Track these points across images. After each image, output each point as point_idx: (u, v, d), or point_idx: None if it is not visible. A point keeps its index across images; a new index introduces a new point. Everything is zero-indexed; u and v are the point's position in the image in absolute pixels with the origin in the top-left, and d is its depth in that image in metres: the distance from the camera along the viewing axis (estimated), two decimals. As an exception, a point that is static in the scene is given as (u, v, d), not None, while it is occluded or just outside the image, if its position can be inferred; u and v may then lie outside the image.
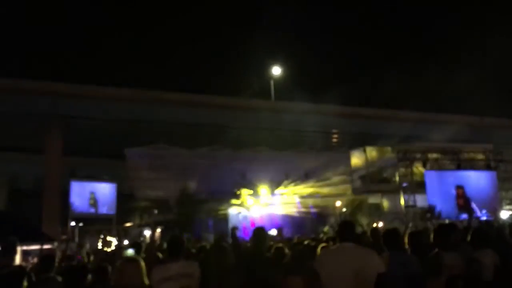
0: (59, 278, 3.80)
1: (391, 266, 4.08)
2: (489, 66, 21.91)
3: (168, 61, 21.11)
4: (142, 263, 4.20)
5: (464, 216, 17.28)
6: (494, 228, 7.75)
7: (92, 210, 19.42)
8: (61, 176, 18.94)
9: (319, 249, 4.50)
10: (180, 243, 4.52)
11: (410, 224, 16.44)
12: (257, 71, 23.66)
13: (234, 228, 8.75)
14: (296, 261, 4.53)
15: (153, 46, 21.20)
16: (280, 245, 5.61)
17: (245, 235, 18.17)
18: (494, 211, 17.90)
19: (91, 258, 9.03)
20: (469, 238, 4.54)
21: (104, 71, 19.74)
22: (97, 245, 8.34)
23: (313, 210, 22.43)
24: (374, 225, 16.16)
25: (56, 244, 14.04)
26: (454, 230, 4.75)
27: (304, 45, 21.57)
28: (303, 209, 22.30)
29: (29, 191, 19.08)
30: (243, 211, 21.51)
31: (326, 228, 17.17)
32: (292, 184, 22.30)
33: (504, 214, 18.35)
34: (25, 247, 11.45)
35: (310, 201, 22.49)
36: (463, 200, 17.89)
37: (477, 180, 18.93)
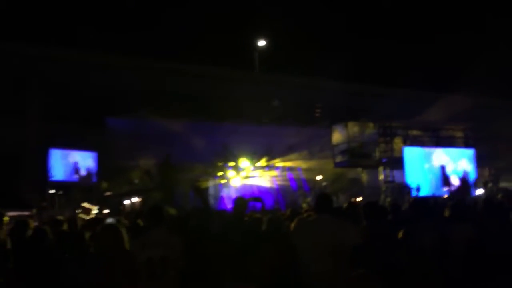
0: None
1: (370, 236, 4.15)
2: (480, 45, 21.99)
3: (152, 28, 20.62)
4: (122, 229, 4.18)
5: (444, 192, 17.71)
6: (470, 203, 7.94)
7: (72, 178, 19.29)
8: (40, 142, 18.66)
9: (294, 221, 4.54)
10: (161, 211, 4.52)
11: (388, 199, 16.76)
12: (242, 42, 23.36)
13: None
14: (271, 231, 4.58)
15: (137, 12, 20.64)
16: (258, 215, 5.67)
17: (225, 206, 18.32)
18: (470, 188, 18.35)
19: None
20: (446, 213, 4.63)
21: (88, 36, 19.17)
22: (76, 213, 8.31)
23: (294, 183, 22.66)
24: (353, 199, 16.40)
25: (34, 211, 13.96)
26: (427, 204, 4.85)
27: (290, 18, 21.26)
28: (284, 182, 22.50)
29: (6, 157, 18.75)
30: (224, 183, 21.60)
31: (308, 199, 17.38)
32: (275, 157, 22.41)
33: (479, 191, 18.80)
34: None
35: (292, 174, 22.70)
36: (441, 177, 18.28)
37: (455, 157, 19.33)
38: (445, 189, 17.88)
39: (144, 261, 3.93)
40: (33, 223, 5.63)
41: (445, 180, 18.10)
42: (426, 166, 18.69)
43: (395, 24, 22.93)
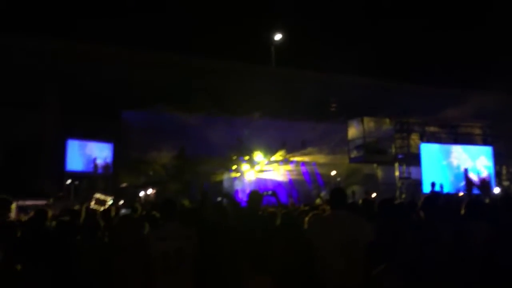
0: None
1: (382, 234, 4.11)
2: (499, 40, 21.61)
3: (168, 22, 20.68)
4: (140, 220, 4.22)
5: (461, 190, 17.47)
6: (488, 201, 7.81)
7: (89, 168, 19.53)
8: (58, 133, 18.92)
9: (308, 216, 4.51)
10: (174, 205, 4.52)
11: (403, 196, 16.63)
12: (258, 36, 23.28)
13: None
14: (285, 226, 4.56)
15: (154, 6, 20.70)
16: (273, 210, 5.65)
17: (239, 199, 18.35)
18: (489, 186, 18.08)
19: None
20: (463, 210, 4.54)
21: (104, 30, 19.31)
22: (91, 204, 8.39)
23: (309, 178, 22.61)
24: (368, 195, 16.28)
25: (51, 200, 14.17)
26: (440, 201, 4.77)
27: (306, 12, 21.11)
28: (298, 177, 22.47)
29: (25, 147, 19.05)
30: (238, 176, 21.66)
31: (322, 194, 17.31)
32: (289, 151, 22.37)
33: (497, 190, 18.51)
34: (20, 202, 11.54)
35: (306, 169, 22.65)
36: (464, 179, 17.97)
37: (474, 155, 19.05)
38: (464, 188, 17.60)
39: (159, 254, 3.96)
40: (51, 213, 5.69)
41: (468, 182, 17.80)
42: (444, 163, 18.46)
43: (413, 19, 22.62)
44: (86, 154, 19.80)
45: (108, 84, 19.05)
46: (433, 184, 14.28)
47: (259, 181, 21.63)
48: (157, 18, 20.66)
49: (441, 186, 10.48)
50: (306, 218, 4.44)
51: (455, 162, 18.61)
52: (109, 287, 3.89)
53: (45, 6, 19.36)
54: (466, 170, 17.70)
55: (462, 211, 4.47)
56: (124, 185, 19.72)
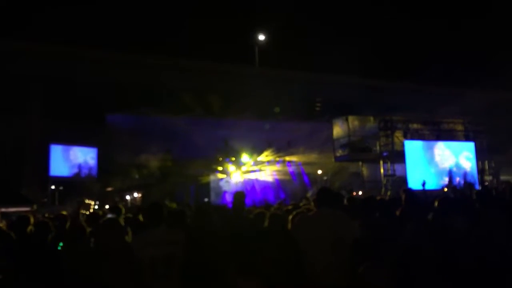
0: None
1: (364, 232, 4.16)
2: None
3: (152, 24, 20.58)
4: (123, 224, 4.19)
5: (444, 185, 17.71)
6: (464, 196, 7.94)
7: (73, 174, 19.35)
8: (41, 138, 18.70)
9: (292, 215, 4.53)
10: (160, 209, 4.46)
11: (389, 193, 16.78)
12: (243, 37, 23.30)
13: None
14: (274, 227, 4.56)
15: (136, 9, 20.56)
16: (261, 210, 5.66)
17: (226, 201, 18.34)
18: (471, 181, 18.34)
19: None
20: (436, 206, 4.59)
21: (87, 32, 19.14)
22: (77, 209, 8.30)
23: (295, 177, 22.69)
24: (353, 193, 16.42)
25: (35, 206, 14.00)
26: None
27: (289, 12, 21.16)
28: (285, 176, 22.54)
29: (8, 153, 18.79)
30: (225, 178, 21.64)
31: (308, 194, 17.41)
32: (275, 152, 22.43)
33: (479, 185, 18.81)
34: (3, 209, 11.39)
35: (293, 169, 22.73)
36: (448, 176, 18.25)
37: (456, 151, 19.32)
38: (447, 185, 17.83)
39: (147, 260, 3.88)
40: (34, 219, 5.63)
41: (450, 177, 18.07)
42: (427, 159, 18.70)
43: (396, 17, 22.84)
44: (70, 159, 19.61)
45: (92, 88, 18.89)
46: (423, 183, 14.42)
47: (246, 182, 21.66)
48: (141, 19, 20.54)
49: (423, 184, 10.58)
50: (290, 217, 4.47)
51: (438, 158, 18.87)
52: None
53: (28, 8, 19.13)
54: (450, 169, 18.02)
55: (436, 207, 4.54)
56: (109, 189, 19.59)
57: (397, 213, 4.53)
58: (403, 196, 4.93)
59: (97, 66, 19.13)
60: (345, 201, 7.31)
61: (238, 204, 5.09)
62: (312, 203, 4.83)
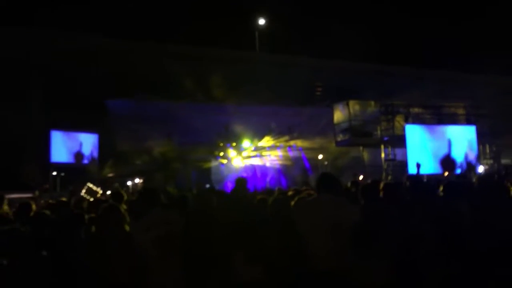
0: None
1: (367, 217, 4.16)
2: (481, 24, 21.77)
3: (152, 9, 20.42)
4: (123, 211, 4.20)
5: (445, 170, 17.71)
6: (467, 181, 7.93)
7: (74, 160, 19.36)
8: (42, 125, 18.69)
9: (294, 201, 4.54)
10: (154, 193, 4.49)
11: (389, 177, 16.81)
12: (243, 22, 23.13)
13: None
14: (276, 213, 4.57)
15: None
16: (263, 196, 5.66)
17: (227, 188, 18.39)
18: (472, 165, 18.36)
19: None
20: (441, 192, 4.57)
21: (88, 19, 19.02)
22: (72, 196, 8.31)
23: (296, 162, 22.69)
24: (356, 178, 16.42)
25: (37, 193, 14.06)
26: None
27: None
28: (285, 162, 22.54)
29: (10, 139, 18.82)
30: (226, 163, 21.66)
31: (309, 178, 17.43)
32: (276, 137, 22.39)
33: (480, 169, 18.83)
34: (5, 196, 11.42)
35: (293, 154, 22.71)
36: (446, 158, 18.24)
37: (457, 135, 19.28)
38: (447, 167, 17.84)
39: (148, 244, 3.91)
40: (35, 206, 5.65)
41: (447, 157, 18.06)
42: (428, 143, 18.66)
43: (397, 2, 22.65)
44: (71, 145, 19.60)
45: (92, 74, 18.83)
46: (418, 165, 14.43)
47: (247, 168, 21.68)
48: (140, 5, 20.39)
49: (418, 166, 10.44)
50: (292, 203, 4.48)
51: (439, 142, 18.84)
52: (101, 278, 3.86)
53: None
54: (449, 151, 17.95)
55: (441, 193, 4.52)
56: (110, 175, 19.62)
57: (402, 198, 4.53)
58: (407, 183, 4.93)
59: (98, 52, 19.03)
60: (348, 184, 7.32)
61: (240, 190, 5.10)
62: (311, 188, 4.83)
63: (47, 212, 4.79)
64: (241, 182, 5.20)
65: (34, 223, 3.95)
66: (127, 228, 4.08)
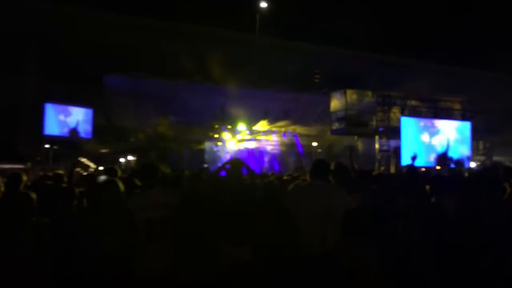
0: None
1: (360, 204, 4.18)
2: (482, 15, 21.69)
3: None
4: (120, 183, 4.14)
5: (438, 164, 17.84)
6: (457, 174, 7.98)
7: (67, 133, 19.26)
8: (37, 98, 18.52)
9: (290, 186, 4.56)
10: (155, 170, 4.43)
11: (382, 168, 16.91)
12: (244, 3, 22.88)
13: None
14: (267, 195, 4.57)
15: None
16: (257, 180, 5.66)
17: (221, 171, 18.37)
18: (466, 160, 18.50)
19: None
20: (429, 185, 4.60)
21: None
22: (73, 168, 8.26)
23: (290, 148, 22.75)
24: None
25: (29, 164, 14.00)
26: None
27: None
28: (279, 147, 22.58)
29: (3, 111, 18.67)
30: (220, 146, 21.67)
31: (302, 165, 17.49)
32: (272, 121, 22.38)
33: (473, 164, 18.97)
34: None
35: (288, 139, 22.75)
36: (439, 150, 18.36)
37: (452, 129, 19.36)
38: (440, 161, 17.95)
39: (143, 223, 3.85)
40: (27, 177, 5.62)
41: (445, 157, 18.18)
42: (423, 137, 18.75)
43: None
44: (65, 119, 19.47)
45: (89, 48, 18.61)
46: (414, 157, 14.50)
47: (241, 151, 21.70)
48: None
49: (413, 158, 10.46)
50: (290, 187, 4.49)
51: (434, 136, 18.92)
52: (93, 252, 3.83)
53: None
54: (447, 147, 18.09)
55: (428, 186, 4.56)
56: (104, 151, 19.57)
57: (395, 186, 4.56)
58: (404, 171, 4.96)
59: (95, 26, 18.79)
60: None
61: (235, 171, 5.06)
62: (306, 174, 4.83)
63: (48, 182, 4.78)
64: (237, 163, 5.16)
65: (37, 191, 3.90)
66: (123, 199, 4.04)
